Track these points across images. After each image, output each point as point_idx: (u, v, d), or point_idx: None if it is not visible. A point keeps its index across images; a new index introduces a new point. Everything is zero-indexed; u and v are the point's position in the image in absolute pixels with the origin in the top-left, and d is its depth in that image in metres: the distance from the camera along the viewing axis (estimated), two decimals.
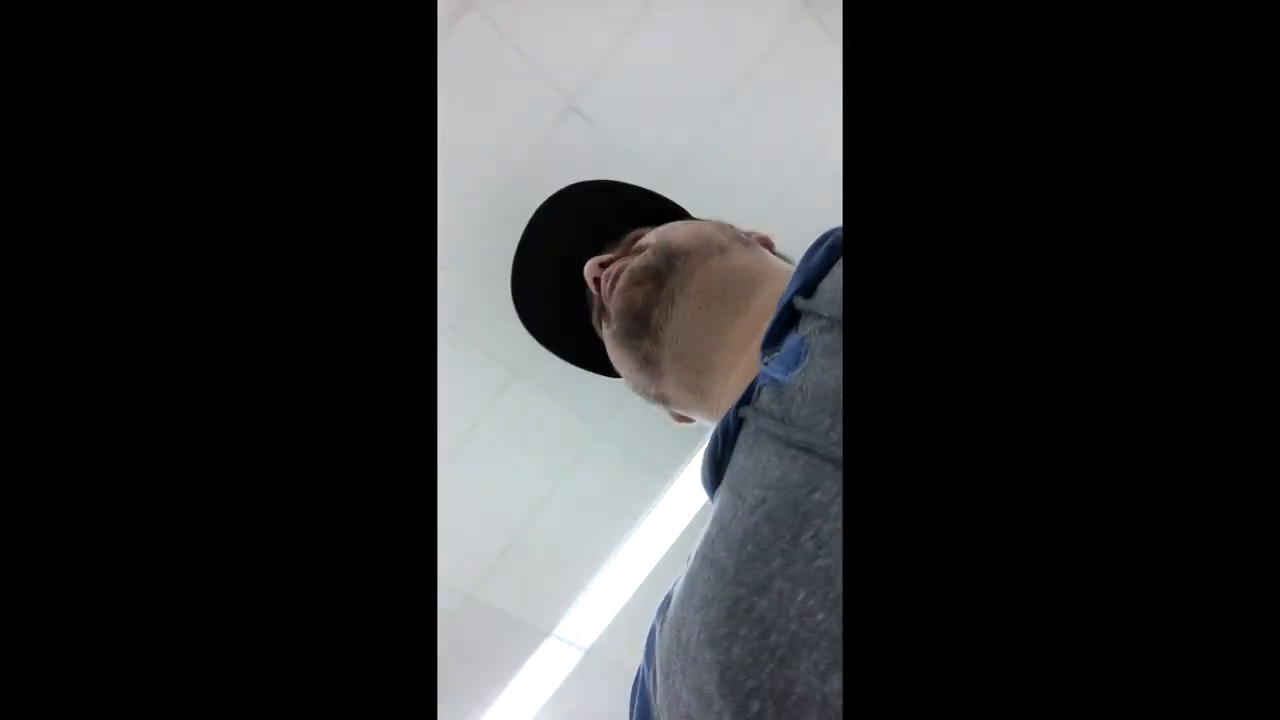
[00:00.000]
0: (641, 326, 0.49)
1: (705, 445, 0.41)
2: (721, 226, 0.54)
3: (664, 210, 0.66)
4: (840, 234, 0.41)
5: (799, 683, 0.27)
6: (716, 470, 0.40)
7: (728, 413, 0.39)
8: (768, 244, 0.58)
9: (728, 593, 0.30)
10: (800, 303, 0.38)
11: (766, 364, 0.38)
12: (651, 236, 0.54)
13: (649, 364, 0.51)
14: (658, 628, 0.35)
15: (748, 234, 0.56)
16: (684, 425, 0.59)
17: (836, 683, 0.26)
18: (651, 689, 0.34)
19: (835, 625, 0.26)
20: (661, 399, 0.54)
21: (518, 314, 0.66)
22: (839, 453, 0.30)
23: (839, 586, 0.27)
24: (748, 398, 0.38)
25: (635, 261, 0.51)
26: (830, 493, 0.30)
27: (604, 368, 0.63)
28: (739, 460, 0.37)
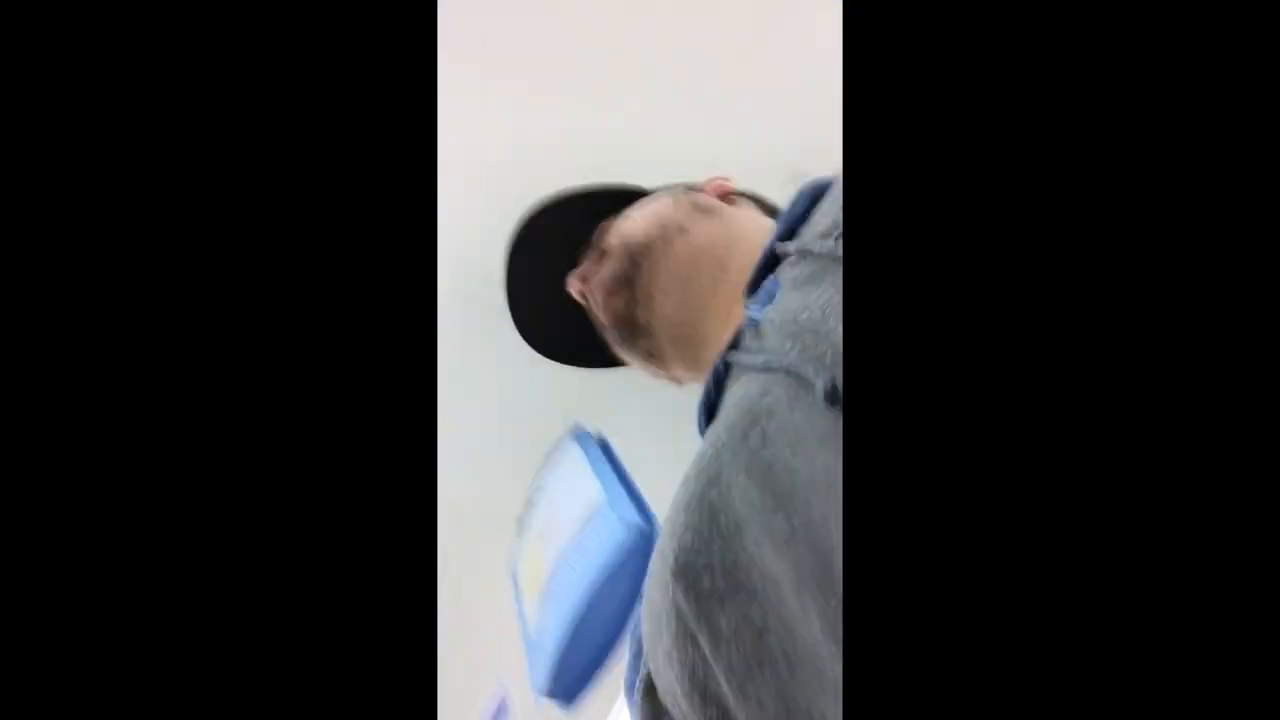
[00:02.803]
0: (632, 329, 0.51)
1: (700, 395, 0.44)
2: (676, 200, 0.54)
3: (624, 197, 0.64)
4: (819, 182, 0.44)
5: (741, 553, 0.31)
6: (710, 415, 0.43)
7: (718, 361, 0.42)
8: (725, 194, 0.57)
9: (688, 490, 0.34)
10: (778, 247, 0.41)
11: (748, 308, 0.42)
12: (613, 236, 0.54)
13: (652, 356, 0.53)
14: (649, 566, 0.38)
15: (702, 189, 0.56)
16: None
17: (766, 546, 0.30)
18: (640, 614, 0.37)
19: (767, 500, 0.30)
20: (674, 380, 0.57)
21: (521, 335, 0.65)
22: (787, 360, 0.34)
23: (775, 469, 0.31)
24: (735, 344, 0.42)
25: (604, 273, 0.52)
26: (777, 396, 0.33)
27: (614, 361, 0.64)
28: (724, 399, 0.41)
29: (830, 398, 0.29)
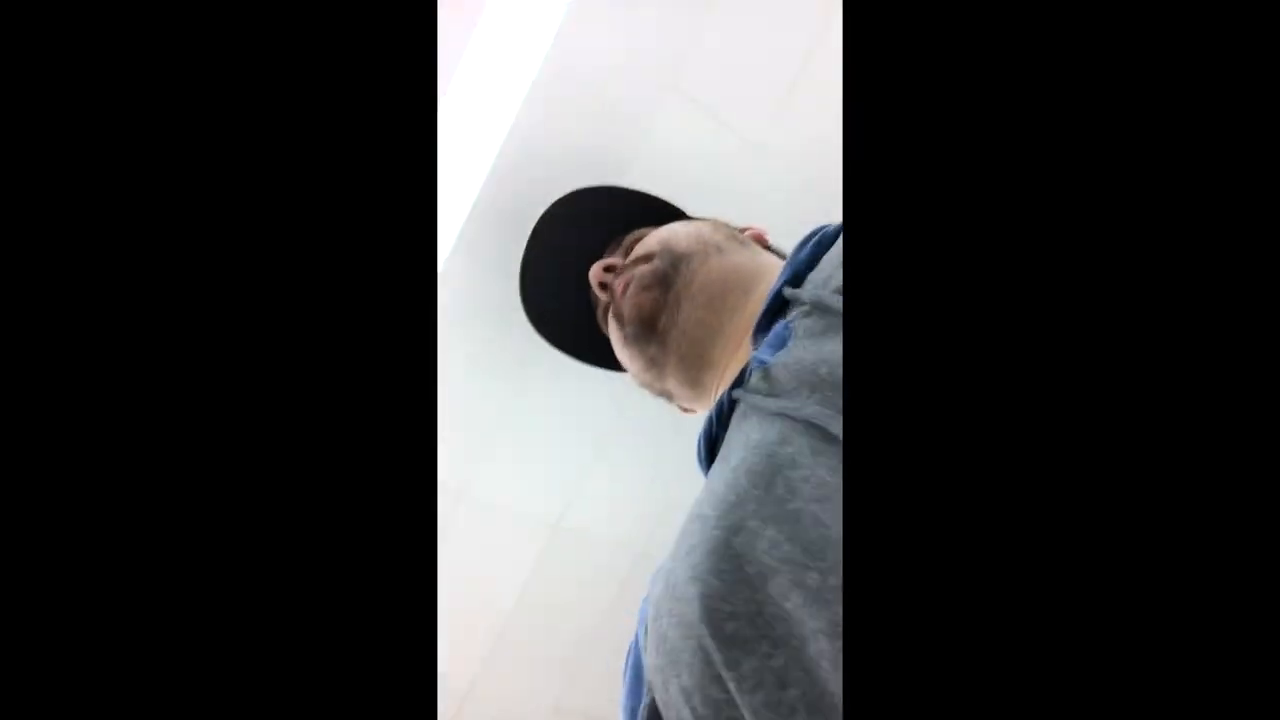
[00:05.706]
0: (649, 331, 0.52)
1: (701, 427, 0.44)
2: (717, 225, 0.57)
3: (661, 211, 0.67)
4: (828, 230, 0.45)
5: (768, 603, 0.31)
6: (711, 449, 0.44)
7: (722, 395, 0.43)
8: (761, 239, 0.60)
9: (709, 536, 0.34)
10: (788, 292, 0.42)
11: (756, 349, 0.43)
12: (653, 241, 0.56)
13: (654, 365, 0.54)
14: (651, 592, 0.38)
15: (742, 230, 0.59)
16: (690, 414, 0.63)
17: (796, 599, 0.30)
18: (642, 642, 0.38)
19: (797, 553, 0.31)
20: (666, 394, 0.58)
21: (526, 314, 0.68)
22: (806, 412, 0.35)
23: (804, 522, 0.32)
24: (740, 381, 0.42)
25: (644, 269, 0.54)
26: (799, 446, 0.34)
27: (609, 362, 0.65)
28: (729, 435, 0.41)
29: None
